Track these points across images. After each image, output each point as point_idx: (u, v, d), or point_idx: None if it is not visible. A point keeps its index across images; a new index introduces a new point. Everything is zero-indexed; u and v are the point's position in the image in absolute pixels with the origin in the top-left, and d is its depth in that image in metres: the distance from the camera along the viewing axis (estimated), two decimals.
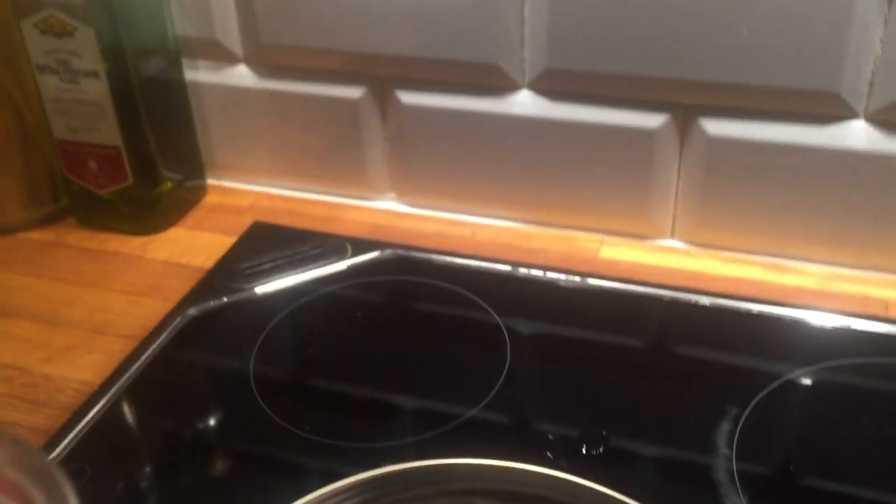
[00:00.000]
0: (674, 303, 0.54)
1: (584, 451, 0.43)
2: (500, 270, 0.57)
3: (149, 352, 0.51)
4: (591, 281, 0.56)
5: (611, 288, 0.55)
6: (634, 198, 0.60)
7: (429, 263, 0.58)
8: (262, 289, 0.56)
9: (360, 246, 0.60)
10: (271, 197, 0.68)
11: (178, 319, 0.53)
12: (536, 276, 0.57)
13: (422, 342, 0.53)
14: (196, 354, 0.52)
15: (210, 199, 0.68)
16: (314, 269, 0.58)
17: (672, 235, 0.61)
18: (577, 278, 0.56)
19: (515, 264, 0.57)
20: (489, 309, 0.54)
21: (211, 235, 0.63)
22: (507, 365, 0.49)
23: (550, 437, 0.44)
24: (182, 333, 0.53)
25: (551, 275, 0.57)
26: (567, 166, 0.60)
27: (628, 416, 0.46)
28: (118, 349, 0.51)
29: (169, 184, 0.64)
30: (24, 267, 0.60)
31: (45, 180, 0.65)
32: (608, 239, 0.61)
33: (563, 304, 0.55)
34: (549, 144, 0.60)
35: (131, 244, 0.62)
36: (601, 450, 0.43)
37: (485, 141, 0.61)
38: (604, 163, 0.59)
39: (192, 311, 0.54)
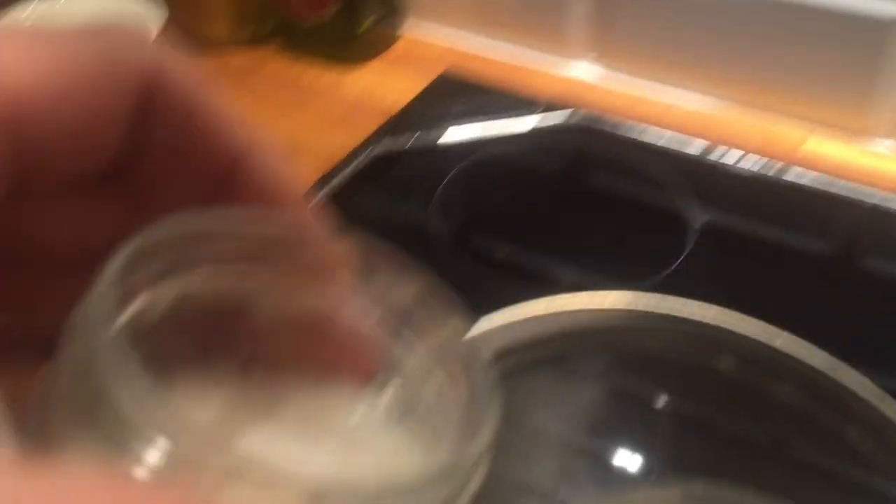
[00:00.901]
0: (875, 210, 0.50)
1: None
2: (691, 150, 0.55)
3: (334, 182, 0.53)
4: (790, 173, 0.52)
5: (810, 184, 0.52)
6: (854, 89, 0.54)
7: (617, 134, 0.56)
8: (445, 138, 0.56)
9: (549, 107, 0.58)
10: (465, 48, 0.67)
11: (364, 156, 0.55)
12: (730, 162, 0.54)
13: (598, 214, 0.52)
14: (376, 192, 0.54)
15: (405, 42, 0.68)
16: (499, 124, 0.57)
17: (891, 136, 0.56)
18: (773, 169, 0.53)
19: (709, 146, 0.54)
20: (674, 189, 0.51)
21: (402, 78, 0.63)
22: (684, 250, 0.48)
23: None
24: (365, 170, 0.54)
25: (746, 162, 0.53)
26: (785, 47, 0.55)
27: (805, 322, 0.43)
28: (307, 175, 0.54)
29: (369, 19, 0.64)
30: (228, 86, 0.63)
31: (252, 5, 0.66)
32: (816, 129, 0.57)
33: (754, 194, 0.52)
34: (770, 22, 0.55)
35: (327, 76, 0.64)
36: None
37: (701, 9, 0.57)
38: (826, 49, 0.54)
39: (377, 150, 0.55)
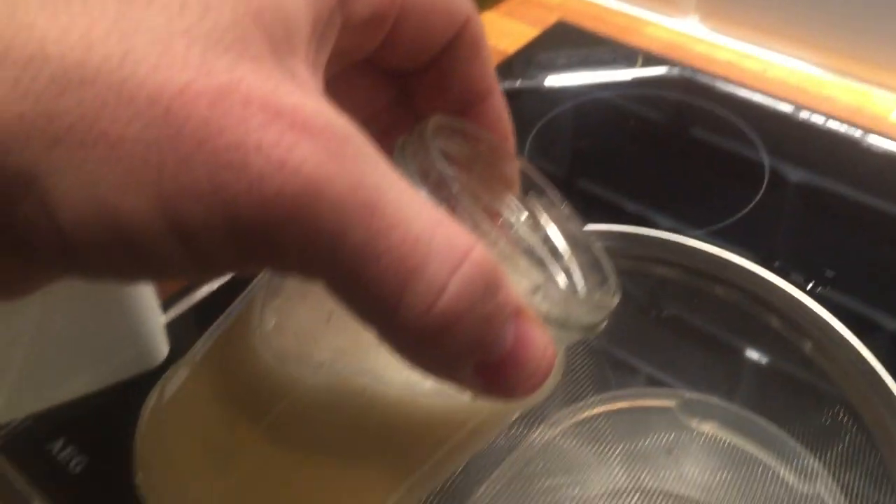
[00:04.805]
0: None
1: (808, 286, 0.45)
2: (781, 110, 0.58)
3: None
4: (873, 139, 0.55)
5: (892, 152, 0.54)
6: None
7: (713, 90, 0.60)
8: (551, 81, 0.61)
9: (651, 60, 0.62)
10: (577, 2, 0.71)
11: None
12: (817, 124, 0.57)
13: (684, 161, 0.56)
14: None
15: None
16: (602, 72, 0.62)
17: None
18: (858, 133, 0.55)
19: (799, 107, 0.58)
20: (760, 145, 0.55)
21: (518, 24, 0.68)
22: (755, 201, 0.51)
23: (776, 263, 0.47)
24: None
25: (833, 125, 0.56)
26: (882, 17, 0.57)
27: (863, 276, 0.47)
28: None
29: None
30: None
31: None
32: None
33: (836, 157, 0.55)
34: None
35: None
36: (824, 289, 0.45)
37: None
38: None
39: None
